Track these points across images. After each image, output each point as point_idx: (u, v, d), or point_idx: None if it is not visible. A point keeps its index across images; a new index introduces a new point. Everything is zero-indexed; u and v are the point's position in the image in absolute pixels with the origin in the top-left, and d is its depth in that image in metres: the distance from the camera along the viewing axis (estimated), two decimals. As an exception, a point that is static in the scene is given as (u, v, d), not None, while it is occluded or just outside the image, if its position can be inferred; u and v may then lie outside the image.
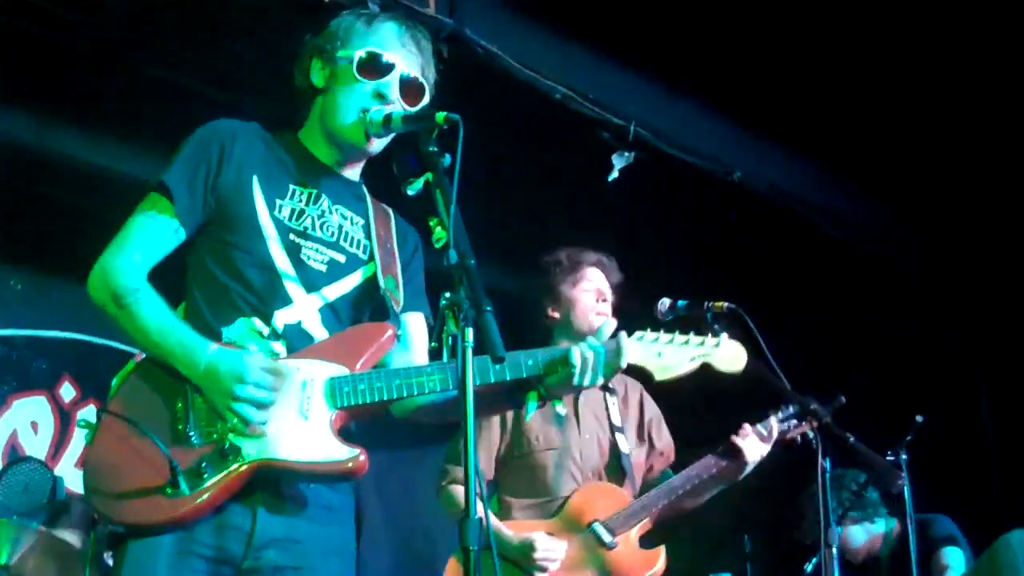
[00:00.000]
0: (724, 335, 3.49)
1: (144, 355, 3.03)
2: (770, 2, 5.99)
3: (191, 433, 2.89)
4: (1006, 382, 8.51)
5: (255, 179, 3.16)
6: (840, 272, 8.06)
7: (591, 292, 4.88)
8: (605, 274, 4.95)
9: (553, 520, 4.65)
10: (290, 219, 3.17)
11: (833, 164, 7.52)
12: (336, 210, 3.27)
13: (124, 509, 2.85)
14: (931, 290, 8.37)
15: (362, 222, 3.32)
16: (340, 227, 3.25)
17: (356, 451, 2.95)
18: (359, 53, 3.22)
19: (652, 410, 5.05)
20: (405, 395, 3.04)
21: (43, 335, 7.05)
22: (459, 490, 4.54)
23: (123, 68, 5.63)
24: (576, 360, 3.10)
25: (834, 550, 4.41)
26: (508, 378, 3.08)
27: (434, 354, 3.12)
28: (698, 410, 6.05)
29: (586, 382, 3.14)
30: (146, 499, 2.83)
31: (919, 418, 5.37)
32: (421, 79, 3.29)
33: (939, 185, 7.62)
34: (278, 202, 3.17)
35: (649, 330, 3.36)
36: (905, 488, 5.21)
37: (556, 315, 4.91)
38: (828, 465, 4.44)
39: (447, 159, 2.85)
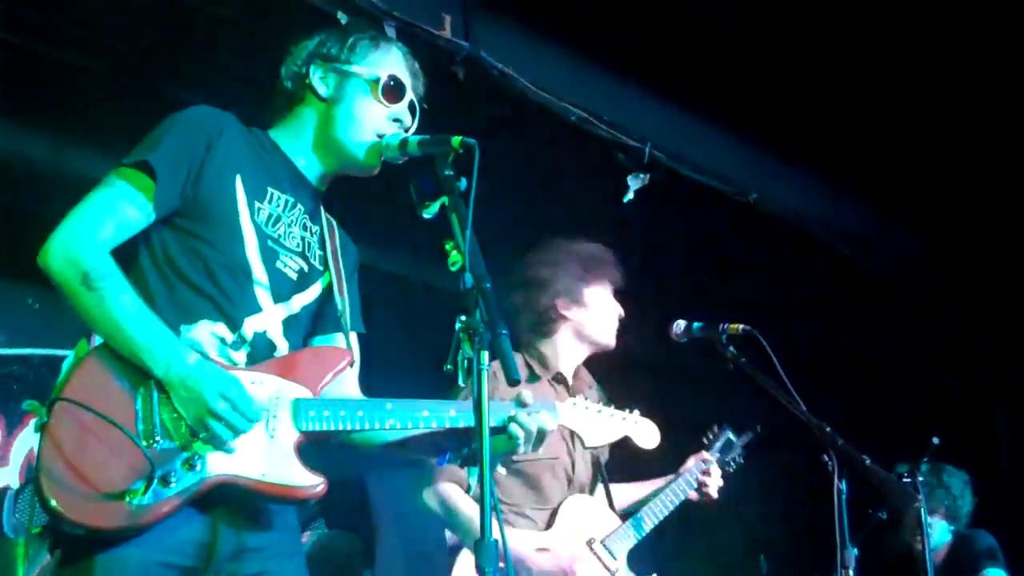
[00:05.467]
0: (636, 412, 3.94)
1: (102, 341, 2.88)
2: (783, 23, 5.99)
3: (157, 436, 2.78)
4: (1021, 401, 8.49)
5: (238, 178, 3.09)
6: (855, 293, 8.05)
7: (615, 308, 4.75)
8: (614, 283, 4.80)
9: (548, 533, 4.51)
10: (267, 224, 3.12)
11: (849, 185, 7.52)
12: (303, 220, 3.24)
13: (85, 510, 2.69)
14: (946, 310, 8.35)
15: (317, 231, 3.31)
16: (303, 237, 3.23)
17: (318, 480, 2.92)
18: (385, 75, 3.23)
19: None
20: (367, 427, 3.04)
21: (60, 354, 7.08)
22: (453, 490, 4.38)
23: (139, 88, 5.67)
24: (518, 432, 3.15)
25: (851, 572, 4.39)
26: (441, 426, 3.13)
27: (449, 377, 3.13)
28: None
29: (521, 451, 3.20)
30: (109, 503, 2.68)
31: (935, 440, 5.35)
32: (421, 106, 3.34)
33: (954, 205, 7.61)
34: (257, 204, 3.11)
35: (582, 398, 3.65)
36: (922, 510, 5.18)
37: (568, 314, 4.67)
38: (844, 487, 4.43)
39: (463, 183, 2.85)
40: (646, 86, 6.41)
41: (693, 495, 4.81)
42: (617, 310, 4.75)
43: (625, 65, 6.24)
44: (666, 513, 4.74)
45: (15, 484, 6.56)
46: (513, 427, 3.13)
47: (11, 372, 6.88)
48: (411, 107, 3.30)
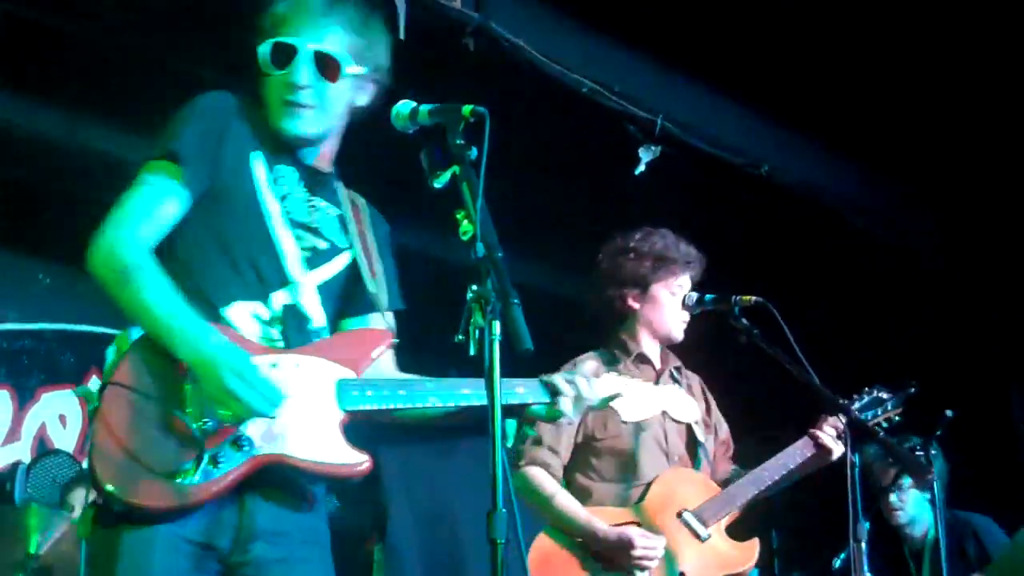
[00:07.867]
0: (676, 387, 4.01)
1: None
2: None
3: (206, 418, 2.80)
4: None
5: (253, 156, 3.11)
6: (869, 265, 8.02)
7: (680, 298, 4.72)
8: (692, 275, 4.78)
9: (637, 507, 4.49)
10: (282, 200, 3.12)
11: (862, 157, 7.48)
12: (312, 197, 3.22)
13: (136, 490, 2.73)
14: (961, 283, 8.31)
15: (337, 212, 3.28)
16: (316, 214, 3.20)
17: (364, 457, 2.94)
18: (263, 48, 3.14)
19: (712, 401, 4.98)
20: (411, 406, 3.06)
21: (72, 329, 7.09)
22: (537, 473, 4.50)
23: (151, 63, 5.66)
24: (567, 391, 3.19)
25: (863, 545, 4.38)
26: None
27: (460, 347, 3.12)
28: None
29: (569, 412, 3.22)
30: (158, 483, 2.73)
31: (949, 413, 5.31)
32: (332, 54, 3.12)
33: (969, 177, 7.57)
34: (273, 181, 3.12)
35: (615, 374, 3.57)
36: (935, 483, 5.16)
37: (636, 305, 4.69)
38: (857, 460, 4.41)
39: (473, 152, 2.83)
40: (658, 58, 6.39)
41: (809, 457, 4.66)
42: (682, 298, 4.73)
43: (637, 36, 6.21)
44: (767, 483, 4.59)
45: (27, 458, 6.58)
46: (559, 382, 3.18)
47: (23, 347, 6.91)
48: (318, 57, 3.12)
